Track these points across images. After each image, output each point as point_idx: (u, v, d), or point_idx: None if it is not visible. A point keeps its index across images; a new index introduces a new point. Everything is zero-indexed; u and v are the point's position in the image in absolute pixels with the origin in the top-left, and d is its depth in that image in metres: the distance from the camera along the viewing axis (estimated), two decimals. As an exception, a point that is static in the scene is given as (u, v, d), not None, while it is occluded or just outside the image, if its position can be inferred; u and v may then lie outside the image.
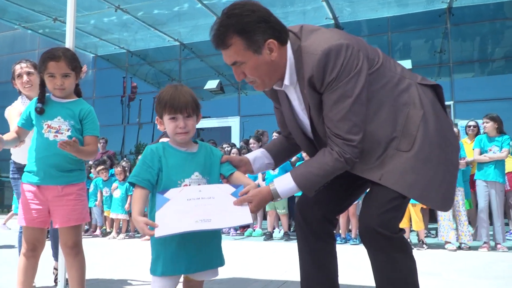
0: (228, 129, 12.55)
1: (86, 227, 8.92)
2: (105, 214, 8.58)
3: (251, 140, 8.05)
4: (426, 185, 1.89)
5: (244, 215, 1.88)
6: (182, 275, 2.03)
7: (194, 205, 1.85)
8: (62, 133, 2.54)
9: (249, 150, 8.14)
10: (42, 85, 2.59)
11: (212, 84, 12.39)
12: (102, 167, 8.45)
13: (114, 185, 8.25)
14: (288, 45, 1.95)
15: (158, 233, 1.77)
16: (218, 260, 2.04)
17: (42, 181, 2.52)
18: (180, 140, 2.01)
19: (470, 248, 5.98)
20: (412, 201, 5.93)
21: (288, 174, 1.98)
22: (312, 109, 1.98)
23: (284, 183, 1.97)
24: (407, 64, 10.87)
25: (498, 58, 11.29)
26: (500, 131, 6.23)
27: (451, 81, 11.04)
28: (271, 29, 1.88)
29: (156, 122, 2.13)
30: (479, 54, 11.55)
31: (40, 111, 2.54)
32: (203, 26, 12.18)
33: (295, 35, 1.97)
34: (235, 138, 12.17)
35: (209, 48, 13.65)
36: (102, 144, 10.03)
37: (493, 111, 6.78)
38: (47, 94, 2.63)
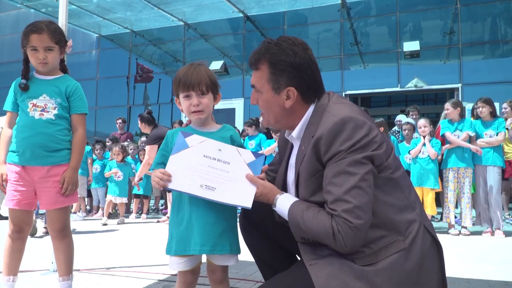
0: (232, 111, 12.43)
1: (88, 208, 8.89)
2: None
3: (244, 127, 8.09)
4: None
5: (247, 198, 1.86)
6: (206, 260, 2.04)
7: (207, 165, 1.89)
8: (48, 112, 2.46)
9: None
10: (26, 60, 2.50)
11: (216, 65, 12.26)
12: (117, 149, 7.97)
13: (114, 170, 7.85)
14: (312, 105, 1.83)
15: (169, 185, 1.86)
16: (233, 246, 1.99)
17: (28, 162, 2.43)
18: (195, 119, 2.04)
19: (471, 233, 5.89)
20: (426, 185, 6.02)
21: (292, 199, 1.77)
22: (302, 170, 1.76)
23: (284, 202, 1.78)
24: (415, 45, 10.65)
25: (509, 40, 11.05)
26: (494, 115, 6.09)
27: (460, 63, 10.86)
28: (299, 80, 1.78)
29: (175, 102, 2.13)
30: (489, 36, 11.31)
31: (24, 88, 2.45)
32: (207, 5, 12.01)
33: (328, 95, 1.84)
34: (239, 120, 12.07)
35: (213, 28, 13.47)
36: (119, 124, 9.74)
37: (502, 94, 6.61)
38: (30, 73, 2.54)
